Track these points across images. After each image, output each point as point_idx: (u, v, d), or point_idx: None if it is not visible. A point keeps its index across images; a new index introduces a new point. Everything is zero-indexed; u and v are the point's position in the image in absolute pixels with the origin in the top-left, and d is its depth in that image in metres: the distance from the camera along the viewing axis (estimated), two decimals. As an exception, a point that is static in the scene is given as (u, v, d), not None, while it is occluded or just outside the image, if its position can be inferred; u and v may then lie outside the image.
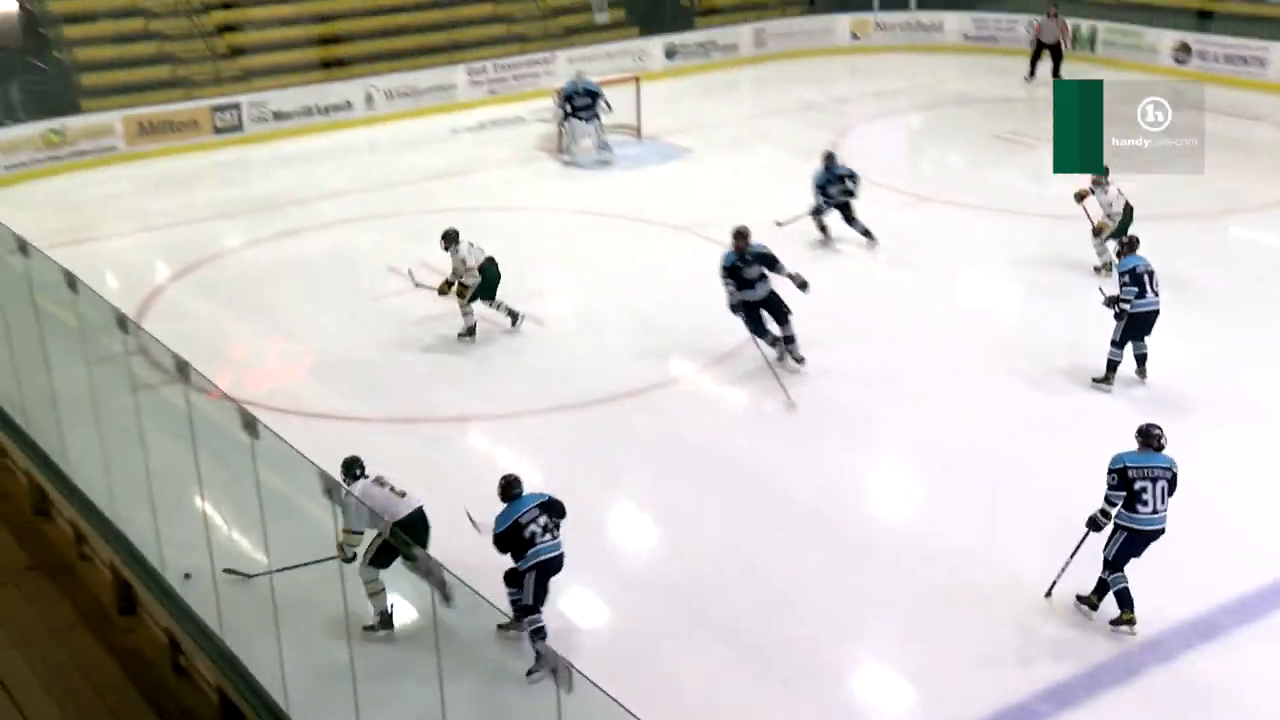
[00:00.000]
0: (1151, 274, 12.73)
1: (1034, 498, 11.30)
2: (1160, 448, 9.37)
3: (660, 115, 23.25)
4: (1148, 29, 26.68)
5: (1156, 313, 12.81)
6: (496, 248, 17.11)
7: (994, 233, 17.89)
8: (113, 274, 16.72)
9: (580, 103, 21.11)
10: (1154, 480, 9.27)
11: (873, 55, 28.87)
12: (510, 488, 9.31)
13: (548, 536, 9.14)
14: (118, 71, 23.10)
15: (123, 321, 9.46)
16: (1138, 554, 9.42)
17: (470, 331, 14.68)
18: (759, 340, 13.61)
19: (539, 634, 9.02)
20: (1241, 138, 22.02)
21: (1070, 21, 27.60)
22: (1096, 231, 15.93)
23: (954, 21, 28.88)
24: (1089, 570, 9.59)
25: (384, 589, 9.38)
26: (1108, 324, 13.01)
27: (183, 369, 8.63)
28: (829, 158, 17.09)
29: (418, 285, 15.05)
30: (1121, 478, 9.29)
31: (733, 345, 14.35)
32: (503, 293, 14.78)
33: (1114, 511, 9.36)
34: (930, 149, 23.10)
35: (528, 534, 9.07)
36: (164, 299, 16.13)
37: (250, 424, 7.99)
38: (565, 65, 25.69)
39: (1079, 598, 9.75)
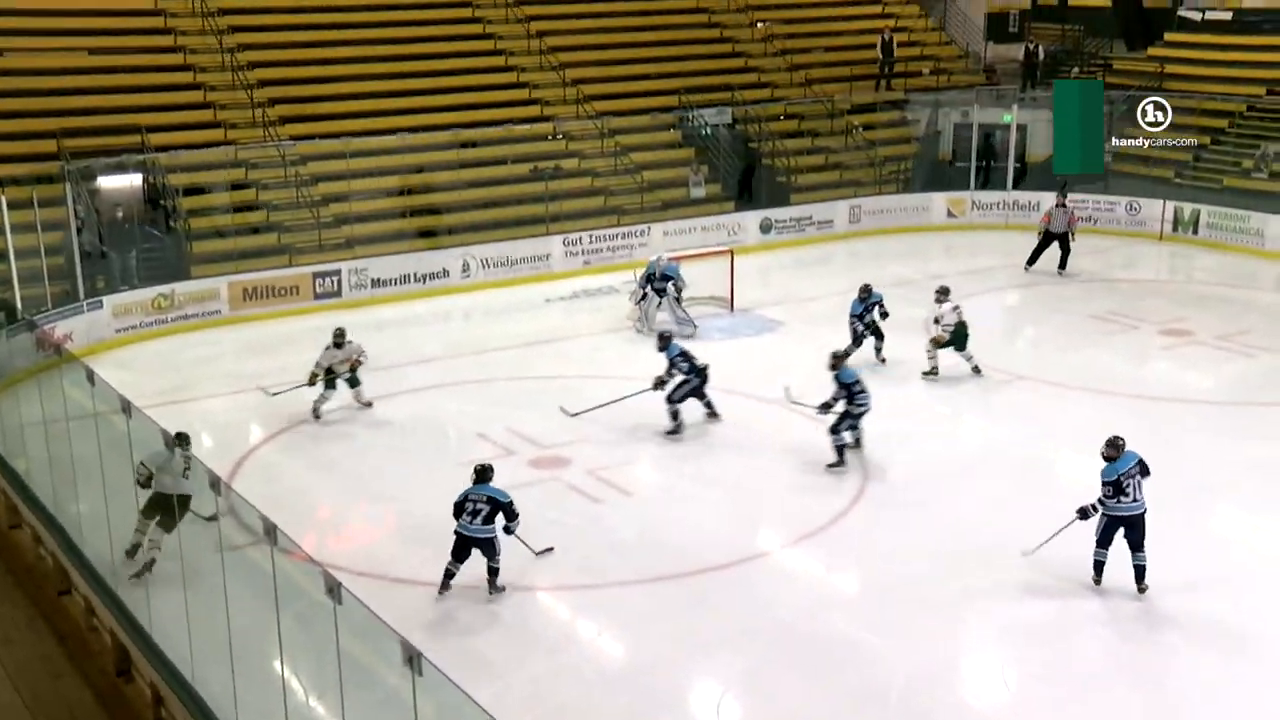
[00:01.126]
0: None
1: (1135, 692, 10.82)
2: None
3: (753, 288, 23.38)
4: (1253, 213, 26.46)
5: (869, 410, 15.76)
6: (585, 415, 17.20)
7: (1087, 412, 17.55)
8: (208, 434, 16.95)
9: (658, 285, 21.46)
10: (1132, 477, 12.39)
11: (969, 233, 28.93)
12: (483, 474, 12.66)
13: (471, 519, 12.44)
14: (227, 240, 23.86)
15: (215, 483, 9.51)
16: (1128, 533, 12.43)
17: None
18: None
19: (447, 574, 12.60)
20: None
21: (1172, 205, 27.57)
22: (935, 343, 18.47)
23: (1051, 202, 28.75)
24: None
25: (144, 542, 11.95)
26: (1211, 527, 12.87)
27: (270, 531, 8.61)
28: (866, 289, 19.46)
29: (275, 394, 17.77)
30: (1116, 487, 12.35)
31: (824, 520, 14.17)
32: (590, 461, 15.34)
33: (1101, 509, 12.42)
34: (1026, 327, 22.86)
35: (464, 509, 12.44)
36: (256, 460, 16.29)
37: (333, 588, 7.92)
38: (660, 238, 26.09)
39: (1095, 580, 12.64)
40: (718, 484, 15.43)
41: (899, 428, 16.91)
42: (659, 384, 16.76)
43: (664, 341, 16.93)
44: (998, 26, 37.23)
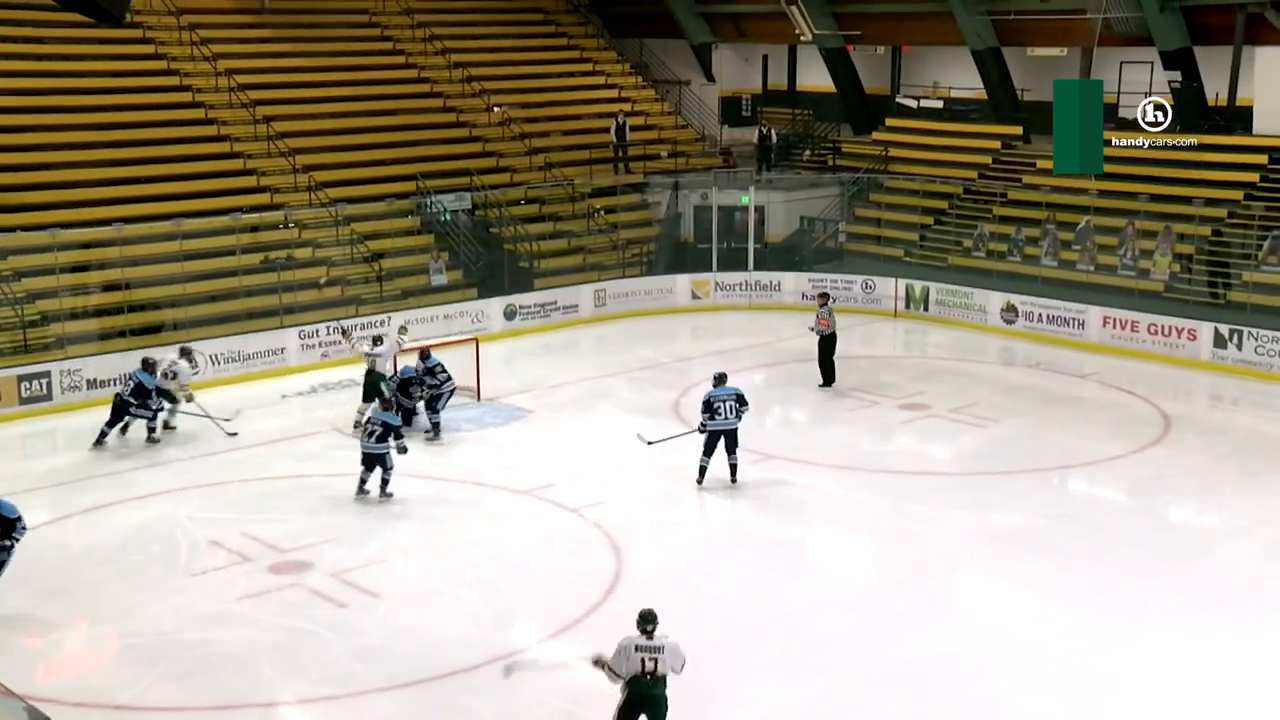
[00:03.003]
0: None
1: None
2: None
3: (500, 376, 22.87)
4: (975, 289, 27.57)
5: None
6: (328, 516, 16.32)
7: (835, 489, 17.80)
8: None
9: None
10: (724, 401, 17.00)
11: (713, 314, 29.20)
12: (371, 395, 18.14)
13: (368, 438, 16.70)
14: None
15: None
16: (722, 442, 17.06)
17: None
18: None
19: (361, 481, 16.91)
20: (1070, 395, 22.70)
21: (904, 282, 28.47)
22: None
23: (791, 281, 29.47)
24: None
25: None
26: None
27: (-43, 668, 7.61)
28: (424, 354, 20.15)
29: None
30: (708, 406, 17.04)
31: (579, 612, 13.74)
32: (333, 564, 14.63)
33: (706, 424, 16.99)
34: (774, 407, 22.93)
35: (362, 426, 17.27)
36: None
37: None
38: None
39: (698, 481, 17.28)
40: (469, 580, 14.82)
41: (648, 514, 16.70)
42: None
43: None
44: (731, 111, 38.17)
